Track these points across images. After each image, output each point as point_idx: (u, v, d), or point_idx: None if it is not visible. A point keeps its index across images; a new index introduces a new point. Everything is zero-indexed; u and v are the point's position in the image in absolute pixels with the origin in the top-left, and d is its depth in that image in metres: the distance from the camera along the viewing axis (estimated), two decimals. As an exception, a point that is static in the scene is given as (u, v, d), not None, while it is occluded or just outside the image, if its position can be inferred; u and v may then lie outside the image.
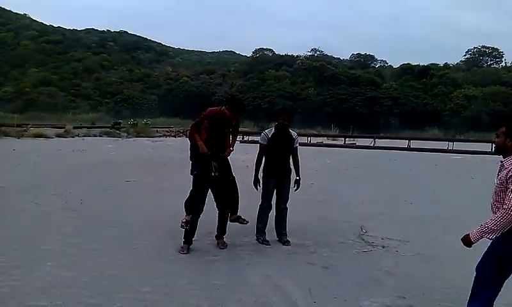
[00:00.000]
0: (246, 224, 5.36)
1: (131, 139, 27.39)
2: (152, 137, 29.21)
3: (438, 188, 10.90)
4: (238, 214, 5.34)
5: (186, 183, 5.57)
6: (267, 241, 5.60)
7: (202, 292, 3.94)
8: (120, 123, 33.56)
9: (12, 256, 4.63)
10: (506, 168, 2.95)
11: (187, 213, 5.04)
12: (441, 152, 23.90)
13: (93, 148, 19.21)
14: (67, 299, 3.65)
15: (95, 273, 4.26)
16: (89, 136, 27.23)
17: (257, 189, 5.66)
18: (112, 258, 4.73)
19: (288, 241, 5.61)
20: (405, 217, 7.43)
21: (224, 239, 5.39)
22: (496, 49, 75.84)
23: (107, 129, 30.53)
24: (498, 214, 2.86)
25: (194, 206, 5.03)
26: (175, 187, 8.47)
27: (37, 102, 55.97)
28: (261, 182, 5.63)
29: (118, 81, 70.38)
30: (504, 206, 2.83)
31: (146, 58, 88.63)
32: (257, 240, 5.63)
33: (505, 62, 73.88)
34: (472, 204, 8.92)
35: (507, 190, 2.88)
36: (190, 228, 5.03)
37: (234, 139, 5.48)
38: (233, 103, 5.23)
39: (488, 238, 2.93)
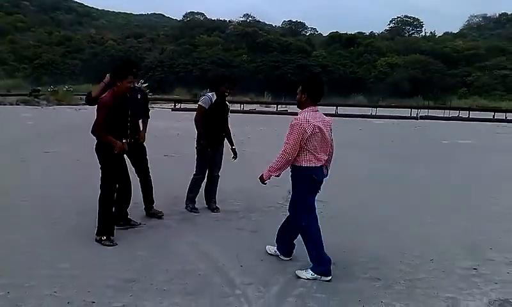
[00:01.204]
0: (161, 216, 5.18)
1: (51, 107, 25.49)
2: (75, 105, 27.41)
3: (358, 152, 11.40)
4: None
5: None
6: (196, 209, 5.53)
7: (124, 265, 3.78)
8: (39, 90, 30.98)
9: None
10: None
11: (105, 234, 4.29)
12: (366, 117, 25.17)
13: (9, 117, 17.67)
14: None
15: (7, 251, 3.93)
16: (5, 105, 24.93)
17: (208, 149, 5.30)
18: (28, 234, 4.40)
19: (218, 208, 5.60)
20: (330, 179, 7.65)
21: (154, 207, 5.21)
22: (417, 19, 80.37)
23: (25, 97, 28.14)
24: (277, 157, 3.63)
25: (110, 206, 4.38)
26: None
27: None
28: (196, 151, 5.45)
29: (36, 44, 64.74)
30: (281, 151, 3.61)
31: (66, 19, 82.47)
32: (186, 208, 5.52)
33: (425, 32, 78.64)
34: (390, 166, 9.53)
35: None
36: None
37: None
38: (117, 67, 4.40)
39: (275, 175, 3.69)
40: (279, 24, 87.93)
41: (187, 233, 4.73)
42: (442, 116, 26.32)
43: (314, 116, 3.64)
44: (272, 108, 29.25)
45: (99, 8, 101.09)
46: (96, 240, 4.22)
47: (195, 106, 5.98)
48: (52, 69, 57.80)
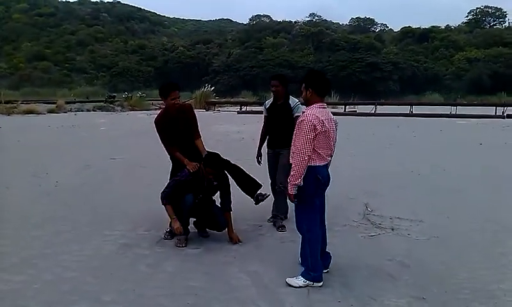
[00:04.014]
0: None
1: (125, 112, 26.57)
2: (147, 110, 28.37)
3: (446, 157, 10.24)
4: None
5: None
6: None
7: (175, 300, 3.28)
8: (114, 96, 32.64)
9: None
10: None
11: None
12: (445, 117, 23.16)
13: (84, 123, 18.49)
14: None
15: (50, 276, 3.64)
16: (82, 111, 26.40)
17: (259, 164, 5.21)
18: (75, 255, 4.10)
19: (284, 226, 4.97)
20: (414, 192, 6.77)
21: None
22: (500, 9, 73.91)
23: (101, 103, 29.67)
24: (293, 163, 3.35)
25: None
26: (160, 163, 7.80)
27: (31, 78, 54.83)
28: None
29: (113, 53, 68.82)
30: (293, 155, 3.36)
31: (140, 29, 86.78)
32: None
33: (509, 23, 72.05)
34: (484, 173, 8.32)
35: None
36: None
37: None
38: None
39: (298, 183, 3.34)
40: (346, 22, 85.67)
41: (248, 258, 4.12)
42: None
43: (322, 113, 3.44)
44: (340, 108, 28.09)
45: (170, 16, 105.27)
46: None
47: (260, 108, 5.65)
48: (128, 76, 60.97)
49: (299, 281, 3.51)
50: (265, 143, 5.23)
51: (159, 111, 4.79)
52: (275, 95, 5.02)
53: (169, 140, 4.43)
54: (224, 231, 4.53)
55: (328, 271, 3.73)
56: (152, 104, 31.80)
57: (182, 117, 4.50)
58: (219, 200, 4.55)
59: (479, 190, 6.92)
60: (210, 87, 33.05)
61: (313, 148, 3.36)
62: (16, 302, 3.21)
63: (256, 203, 4.75)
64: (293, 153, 3.38)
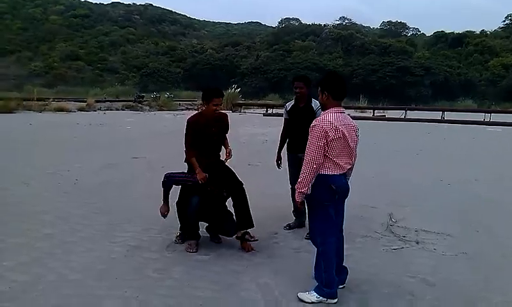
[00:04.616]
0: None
1: (152, 112, 26.88)
2: (174, 110, 28.63)
3: (478, 166, 9.74)
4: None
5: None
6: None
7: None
8: (143, 96, 33.15)
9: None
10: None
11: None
12: (477, 124, 22.32)
13: (112, 122, 18.76)
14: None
15: (54, 277, 3.54)
16: (111, 110, 26.88)
17: (278, 168, 5.07)
18: (83, 256, 4.01)
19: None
20: (443, 203, 6.39)
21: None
22: (540, 14, 70.77)
23: (130, 103, 30.15)
24: (302, 169, 3.16)
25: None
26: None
27: (66, 77, 56.54)
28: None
29: (144, 55, 70.15)
30: (303, 162, 3.17)
31: (171, 31, 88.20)
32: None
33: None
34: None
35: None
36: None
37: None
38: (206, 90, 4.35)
39: (306, 192, 3.16)
40: (377, 26, 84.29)
41: (260, 269, 3.90)
42: None
43: (338, 118, 3.19)
44: (369, 113, 27.48)
45: (200, 19, 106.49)
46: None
47: None
48: (158, 77, 61.90)
49: (312, 296, 3.28)
50: (285, 147, 5.03)
51: (196, 112, 4.70)
52: (298, 97, 4.82)
53: (195, 143, 4.28)
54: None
55: (344, 287, 3.48)
56: (179, 105, 32.15)
57: (218, 125, 4.41)
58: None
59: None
60: (237, 88, 33.08)
61: (328, 156, 3.15)
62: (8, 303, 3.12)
63: (240, 242, 4.33)
64: (305, 159, 3.18)
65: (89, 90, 43.16)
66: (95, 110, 25.82)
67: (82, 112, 24.44)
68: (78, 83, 52.71)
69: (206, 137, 4.30)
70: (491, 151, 12.55)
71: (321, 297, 3.26)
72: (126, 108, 28.43)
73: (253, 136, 14.01)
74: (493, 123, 22.80)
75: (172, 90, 44.90)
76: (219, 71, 61.38)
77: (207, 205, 4.22)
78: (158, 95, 33.47)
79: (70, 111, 23.78)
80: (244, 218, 4.30)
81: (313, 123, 3.21)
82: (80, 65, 62.38)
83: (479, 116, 24.72)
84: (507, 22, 72.67)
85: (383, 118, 25.10)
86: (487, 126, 21.78)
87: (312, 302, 3.25)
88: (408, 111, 26.15)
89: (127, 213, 5.36)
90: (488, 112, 25.59)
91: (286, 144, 5.04)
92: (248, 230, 4.29)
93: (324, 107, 3.33)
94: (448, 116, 24.74)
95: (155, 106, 29.88)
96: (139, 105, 29.60)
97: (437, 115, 24.98)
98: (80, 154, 9.86)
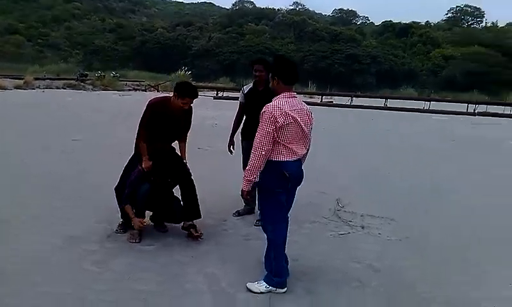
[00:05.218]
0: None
1: (96, 92, 25.63)
2: (120, 90, 27.49)
3: (418, 154, 10.11)
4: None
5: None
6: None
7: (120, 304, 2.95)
8: (86, 74, 31.46)
9: None
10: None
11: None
12: (418, 112, 23.50)
13: (50, 101, 17.66)
14: None
15: None
16: (51, 88, 25.33)
17: (230, 153, 4.93)
18: (10, 250, 3.68)
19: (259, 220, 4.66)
20: (388, 189, 6.58)
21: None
22: (478, 9, 75.15)
23: (72, 81, 28.54)
24: (251, 156, 3.06)
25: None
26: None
27: (2, 52, 52.44)
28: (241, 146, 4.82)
29: (90, 31, 66.51)
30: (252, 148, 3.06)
31: (119, 7, 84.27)
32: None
33: (486, 23, 73.41)
34: (459, 171, 8.20)
35: None
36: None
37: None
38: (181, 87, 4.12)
39: (253, 180, 3.05)
40: (329, 13, 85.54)
41: (207, 258, 3.76)
42: (503, 113, 24.23)
43: (288, 103, 3.10)
44: (317, 99, 27.88)
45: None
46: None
47: (237, 94, 5.29)
48: (104, 55, 59.09)
49: (261, 286, 3.21)
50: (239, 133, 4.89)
51: (159, 96, 4.51)
52: (257, 81, 4.66)
53: (152, 128, 4.06)
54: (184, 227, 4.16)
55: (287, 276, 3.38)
56: (126, 85, 30.89)
57: (182, 118, 4.23)
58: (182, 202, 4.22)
59: (455, 188, 6.77)
60: (188, 70, 32.31)
61: (281, 142, 3.06)
62: None
63: (187, 233, 4.17)
64: (254, 144, 3.07)
65: (29, 67, 40.45)
66: (33, 89, 24.25)
67: (19, 90, 22.88)
68: (16, 59, 49.13)
69: (168, 121, 4.10)
70: (432, 139, 13.06)
71: (271, 287, 3.20)
72: (67, 87, 26.92)
73: (203, 119, 13.70)
74: (433, 110, 24.04)
75: (119, 69, 42.92)
76: (169, 51, 59.58)
77: (153, 194, 4.01)
78: (103, 74, 31.89)
79: (6, 89, 22.15)
80: (191, 209, 4.19)
81: (264, 109, 3.08)
82: (19, 40, 58.08)
83: (420, 104, 25.90)
84: (449, 14, 76.47)
85: (330, 104, 25.68)
86: (428, 114, 22.88)
87: (261, 292, 3.19)
88: (353, 98, 27.36)
89: (64, 201, 5.01)
90: (427, 101, 26.96)
91: (240, 130, 4.88)
92: (194, 223, 4.16)
93: (275, 93, 3.21)
94: (392, 103, 25.90)
95: (100, 85, 28.51)
96: (82, 84, 28.10)
97: (381, 102, 26.23)
98: (12, 137, 9.12)
